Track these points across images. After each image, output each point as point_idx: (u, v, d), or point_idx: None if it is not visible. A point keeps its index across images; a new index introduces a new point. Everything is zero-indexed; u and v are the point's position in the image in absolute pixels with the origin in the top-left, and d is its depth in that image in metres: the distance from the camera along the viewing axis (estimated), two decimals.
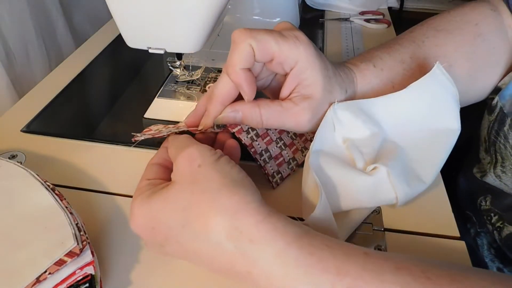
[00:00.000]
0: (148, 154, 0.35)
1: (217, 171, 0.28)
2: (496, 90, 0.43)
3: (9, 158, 0.43)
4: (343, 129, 0.37)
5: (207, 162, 0.29)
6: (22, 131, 0.47)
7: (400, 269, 0.24)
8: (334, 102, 0.36)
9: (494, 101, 0.41)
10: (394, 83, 0.40)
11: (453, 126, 0.37)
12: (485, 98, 0.45)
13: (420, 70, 0.40)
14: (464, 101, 0.43)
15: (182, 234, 0.28)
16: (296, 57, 0.33)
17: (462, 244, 0.34)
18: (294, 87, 0.35)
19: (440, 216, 0.37)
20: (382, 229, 0.35)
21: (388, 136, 0.38)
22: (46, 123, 0.49)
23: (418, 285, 0.23)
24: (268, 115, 0.35)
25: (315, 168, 0.35)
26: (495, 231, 0.44)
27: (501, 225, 0.43)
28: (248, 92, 0.33)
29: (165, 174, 0.32)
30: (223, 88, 0.34)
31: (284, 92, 0.36)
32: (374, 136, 0.37)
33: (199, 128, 0.36)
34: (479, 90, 0.44)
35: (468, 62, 0.42)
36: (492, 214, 0.44)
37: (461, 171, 0.50)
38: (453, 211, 0.37)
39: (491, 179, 0.43)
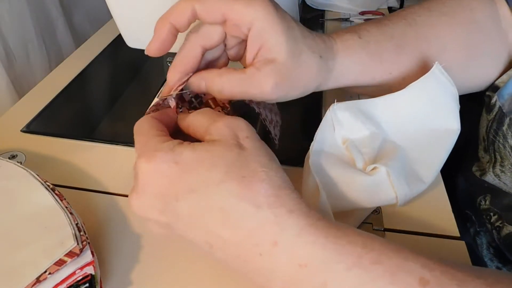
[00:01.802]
0: None
1: (264, 147, 0.28)
2: (494, 88, 0.42)
3: (9, 158, 0.43)
4: (343, 129, 0.37)
5: (254, 136, 0.28)
6: (22, 131, 0.47)
7: (418, 253, 0.25)
8: (334, 103, 0.36)
9: (493, 100, 0.41)
10: (382, 59, 0.37)
11: (452, 126, 0.37)
12: (481, 93, 0.44)
13: (411, 49, 0.38)
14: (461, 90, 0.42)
15: (215, 190, 0.26)
16: (252, 16, 0.31)
17: (462, 244, 0.34)
18: (256, 51, 0.33)
19: (440, 216, 0.37)
20: (382, 229, 0.35)
21: (388, 136, 0.38)
22: (46, 123, 0.49)
23: (437, 266, 0.24)
24: (231, 83, 0.33)
25: (315, 168, 0.35)
26: (494, 231, 0.44)
27: (501, 225, 0.43)
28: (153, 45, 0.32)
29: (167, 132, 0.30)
30: (184, 56, 0.33)
31: (248, 58, 0.34)
32: (374, 136, 0.37)
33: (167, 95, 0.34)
34: (472, 81, 0.43)
35: (462, 48, 0.40)
36: (492, 214, 0.44)
37: (460, 170, 0.50)
38: (453, 210, 0.37)
39: (490, 178, 0.43)
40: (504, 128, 0.39)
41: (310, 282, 0.24)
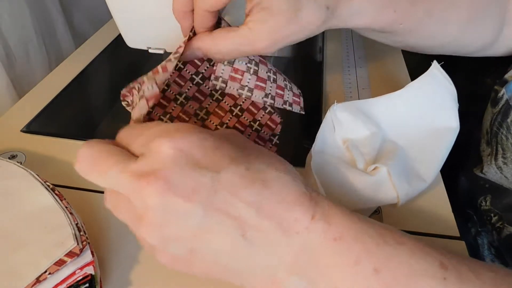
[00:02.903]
0: None
1: None
2: (502, 83, 0.42)
3: (9, 158, 0.43)
4: (343, 130, 0.37)
5: None
6: (22, 131, 0.47)
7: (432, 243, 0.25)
8: (334, 103, 0.36)
9: (500, 93, 0.41)
10: (396, 8, 0.35)
11: (452, 124, 0.37)
12: (483, 95, 0.44)
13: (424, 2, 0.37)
14: (455, 50, 0.41)
15: (256, 162, 0.25)
16: None
17: (462, 244, 0.34)
18: (250, 8, 0.33)
19: (440, 216, 0.37)
20: None
21: (388, 136, 0.38)
22: (46, 123, 0.49)
23: (453, 256, 0.24)
24: (226, 47, 0.32)
25: (316, 169, 0.35)
26: (494, 232, 0.44)
27: (501, 226, 0.43)
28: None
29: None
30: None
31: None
32: (374, 136, 0.37)
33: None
34: (465, 42, 0.42)
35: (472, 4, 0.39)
36: (492, 215, 0.44)
37: (461, 170, 0.50)
38: (454, 209, 0.37)
39: (492, 171, 0.43)
40: (509, 120, 0.39)
41: (343, 256, 0.24)
